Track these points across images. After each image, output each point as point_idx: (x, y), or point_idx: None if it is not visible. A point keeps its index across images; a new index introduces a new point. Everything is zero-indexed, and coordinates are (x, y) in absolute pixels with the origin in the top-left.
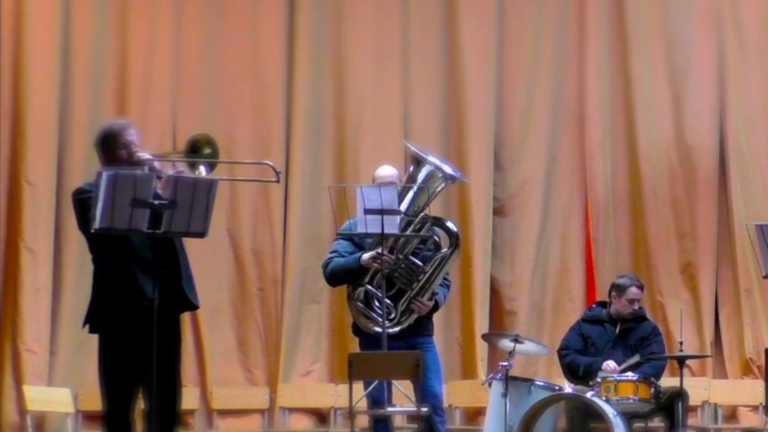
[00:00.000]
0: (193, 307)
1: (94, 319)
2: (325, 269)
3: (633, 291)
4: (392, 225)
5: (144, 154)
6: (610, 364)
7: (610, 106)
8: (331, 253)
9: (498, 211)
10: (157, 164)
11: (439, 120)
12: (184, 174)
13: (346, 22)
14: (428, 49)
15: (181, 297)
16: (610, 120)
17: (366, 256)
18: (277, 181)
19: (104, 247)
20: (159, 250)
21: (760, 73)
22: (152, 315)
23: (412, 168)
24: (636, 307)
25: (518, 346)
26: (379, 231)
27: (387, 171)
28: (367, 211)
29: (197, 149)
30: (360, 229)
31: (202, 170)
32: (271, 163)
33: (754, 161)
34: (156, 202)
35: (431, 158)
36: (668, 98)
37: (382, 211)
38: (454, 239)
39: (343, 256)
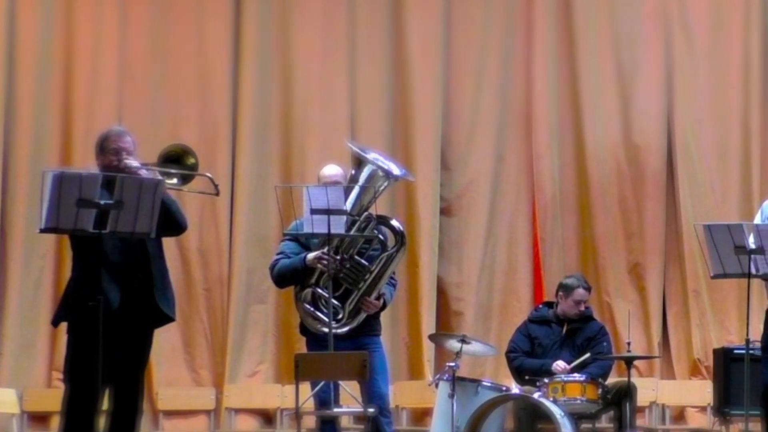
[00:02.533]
0: (167, 319)
1: (58, 316)
2: (271, 271)
3: (580, 292)
4: (339, 225)
5: (132, 162)
6: (560, 363)
7: (557, 106)
8: (278, 254)
9: (445, 211)
10: (144, 172)
11: (386, 120)
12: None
13: (293, 21)
14: (375, 48)
15: (152, 306)
16: (558, 120)
17: (311, 256)
18: (217, 194)
19: (77, 247)
20: (130, 254)
21: (707, 73)
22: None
23: (354, 169)
24: (582, 308)
25: (465, 347)
26: (326, 231)
27: (332, 170)
28: (313, 211)
29: (178, 160)
30: (307, 229)
31: (175, 181)
32: (209, 175)
33: (701, 161)
34: (102, 201)
35: (372, 157)
36: (616, 98)
37: (328, 211)
38: (400, 238)
39: (289, 257)
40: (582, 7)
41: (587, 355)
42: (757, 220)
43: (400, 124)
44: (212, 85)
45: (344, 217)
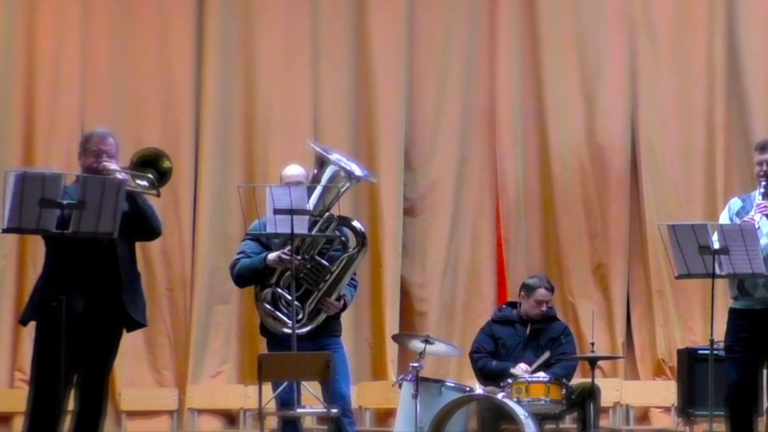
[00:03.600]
0: (136, 324)
1: (26, 315)
2: (232, 270)
3: (541, 292)
4: (302, 225)
5: (111, 165)
6: (521, 366)
7: (521, 106)
8: (239, 254)
9: (408, 212)
10: (121, 175)
11: (350, 120)
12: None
13: (256, 21)
14: (338, 48)
15: (120, 309)
16: (522, 120)
17: (271, 256)
18: (157, 195)
19: (48, 246)
20: (99, 255)
21: (671, 73)
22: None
23: (316, 169)
24: (544, 308)
25: (429, 347)
26: (288, 231)
27: (294, 170)
28: (276, 211)
29: (153, 163)
30: (270, 229)
31: (146, 184)
32: (152, 175)
33: (665, 161)
34: (64, 201)
35: (334, 158)
36: (580, 98)
37: (291, 211)
38: (361, 238)
39: (250, 257)
40: (545, 7)
41: (547, 354)
42: (723, 217)
43: (364, 125)
44: (175, 85)
45: (307, 217)
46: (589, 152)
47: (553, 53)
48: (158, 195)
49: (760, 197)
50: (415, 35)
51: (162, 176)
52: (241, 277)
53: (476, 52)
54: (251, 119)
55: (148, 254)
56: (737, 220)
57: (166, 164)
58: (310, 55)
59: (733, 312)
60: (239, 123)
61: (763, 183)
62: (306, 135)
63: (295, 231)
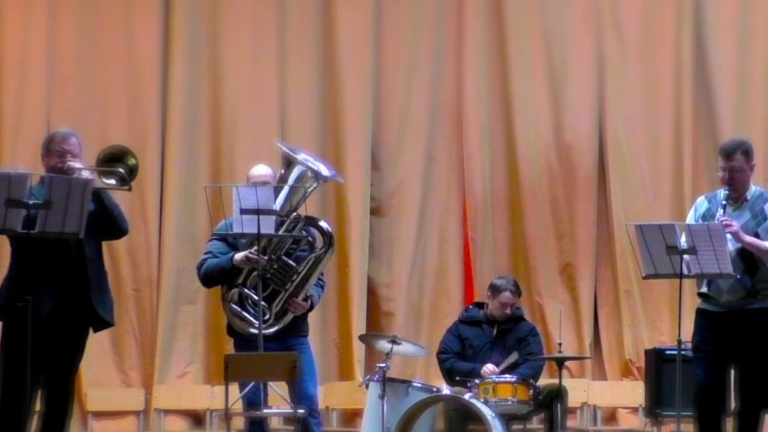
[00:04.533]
0: (106, 324)
1: None
2: (198, 270)
3: (506, 295)
4: (268, 225)
5: (75, 164)
6: (489, 367)
7: (488, 106)
8: (206, 254)
9: (375, 211)
10: (85, 174)
11: (316, 120)
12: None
13: (222, 21)
14: (305, 48)
15: (88, 310)
16: (489, 120)
17: (238, 256)
18: (129, 190)
19: (14, 246)
20: (66, 255)
21: (639, 72)
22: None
23: (283, 169)
24: (508, 311)
25: (396, 347)
26: (255, 231)
27: (261, 170)
28: (243, 211)
29: (119, 159)
30: (236, 229)
31: (113, 182)
32: (122, 171)
33: (633, 161)
34: (30, 201)
35: (301, 158)
36: (547, 97)
37: (258, 211)
38: (328, 239)
39: (217, 257)
40: (513, 5)
41: (515, 356)
42: (690, 217)
43: (331, 124)
44: (141, 84)
45: (273, 217)
46: (556, 152)
47: (520, 52)
48: (129, 189)
49: (722, 210)
50: (382, 35)
51: (129, 173)
52: (208, 277)
53: (443, 52)
54: (218, 119)
55: (115, 254)
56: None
57: (132, 161)
58: (276, 54)
59: (699, 312)
60: (206, 123)
61: (725, 192)
62: (273, 135)
63: (262, 231)
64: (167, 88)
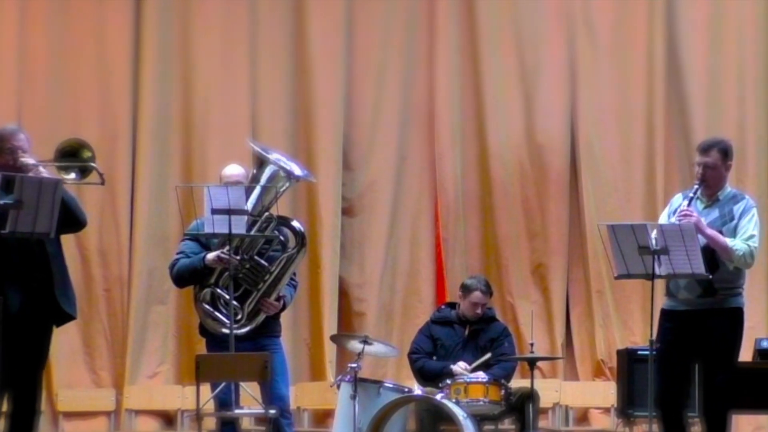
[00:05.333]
0: (68, 317)
1: None
2: (171, 270)
3: (477, 295)
4: (240, 225)
5: (28, 160)
6: (461, 364)
7: (460, 106)
8: (178, 254)
9: (347, 211)
10: (42, 168)
11: (288, 119)
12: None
13: (193, 20)
14: (276, 48)
15: (53, 306)
16: (460, 119)
17: (210, 256)
18: (102, 183)
19: None
20: (29, 254)
21: (611, 72)
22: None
23: (255, 169)
24: (479, 311)
25: (367, 348)
26: (226, 231)
27: (233, 170)
28: (214, 211)
29: (74, 154)
30: (208, 229)
31: (73, 176)
32: (95, 165)
33: (605, 161)
34: (1, 201)
35: (273, 157)
36: (519, 97)
37: (229, 211)
38: (300, 239)
39: (189, 257)
40: (485, 5)
41: (488, 355)
42: (664, 215)
43: (302, 124)
44: (112, 84)
45: (245, 217)
46: (528, 152)
47: (492, 52)
48: (103, 183)
49: (686, 202)
50: (354, 35)
51: (84, 168)
52: (180, 277)
53: (415, 52)
54: (189, 119)
55: (85, 254)
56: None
57: (87, 154)
58: (247, 54)
59: (661, 312)
60: (177, 123)
61: (695, 187)
62: (244, 135)
63: (233, 231)
64: (138, 87)
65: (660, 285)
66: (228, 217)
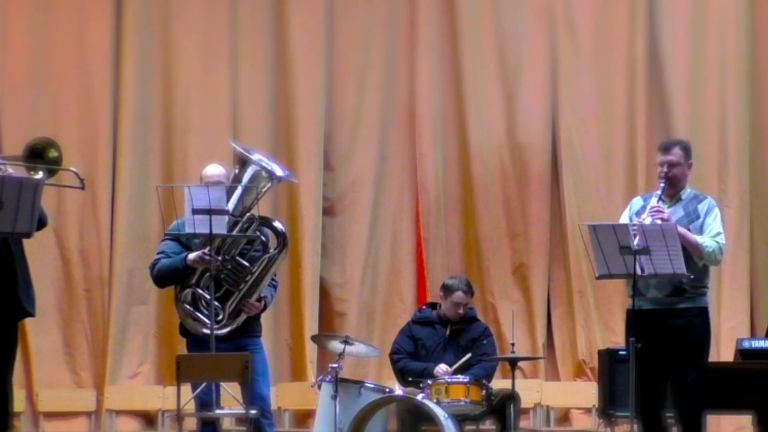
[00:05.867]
0: (26, 314)
1: None
2: (152, 270)
3: (458, 295)
4: (221, 225)
5: None
6: (441, 367)
7: (441, 105)
8: (158, 254)
9: (328, 211)
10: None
11: (269, 119)
12: (12, 174)
13: (174, 20)
14: (257, 47)
15: (16, 305)
16: (442, 119)
17: (192, 256)
18: (82, 188)
19: None
20: None
21: (592, 73)
22: None
23: (237, 169)
24: (461, 311)
25: (348, 348)
26: (207, 231)
27: (214, 170)
28: (195, 211)
29: (41, 153)
30: (188, 230)
31: (42, 175)
32: (75, 170)
33: (586, 161)
34: None
35: (256, 158)
36: (500, 97)
37: (210, 211)
38: (282, 239)
39: (170, 257)
40: (466, 4)
41: (468, 355)
42: (624, 216)
43: (283, 124)
44: (93, 84)
45: (226, 218)
46: (509, 152)
47: (473, 52)
48: (83, 188)
49: (656, 199)
50: (335, 35)
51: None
52: (161, 278)
53: (396, 51)
54: (170, 118)
55: (66, 254)
56: (636, 220)
57: (53, 153)
58: (228, 54)
59: (628, 313)
60: (158, 122)
61: (662, 185)
62: (225, 135)
63: (214, 231)
64: (119, 87)
65: (622, 285)
66: (209, 217)
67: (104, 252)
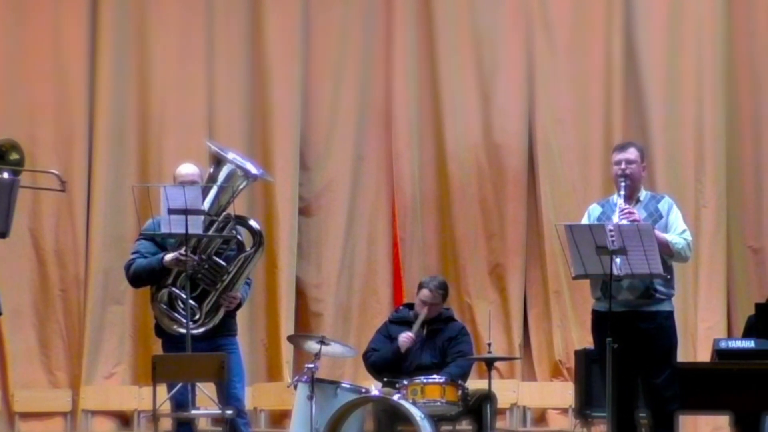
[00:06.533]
0: None
1: None
2: (127, 271)
3: (424, 292)
4: (196, 225)
5: None
6: (402, 336)
7: (417, 105)
8: (134, 253)
9: (304, 211)
10: None
11: (245, 119)
12: None
13: (150, 19)
14: (233, 47)
15: None
16: (418, 119)
17: (168, 256)
18: (63, 191)
19: None
20: None
21: (568, 72)
22: None
23: (212, 168)
24: (426, 309)
25: (324, 348)
26: (183, 231)
27: (188, 169)
28: (171, 211)
29: (3, 154)
30: (164, 230)
31: (5, 176)
32: (56, 172)
33: (563, 161)
34: None
35: (231, 156)
36: (476, 97)
37: (186, 211)
38: (258, 238)
39: (145, 257)
40: (442, 4)
41: (421, 318)
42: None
43: (259, 124)
44: (69, 84)
45: (201, 217)
46: (486, 152)
47: (449, 52)
48: (63, 190)
49: (622, 200)
50: (311, 34)
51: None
52: (137, 278)
53: (372, 51)
54: (146, 118)
55: (42, 255)
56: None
57: (14, 156)
58: (204, 54)
59: (593, 314)
60: (133, 122)
61: (622, 183)
62: (201, 134)
63: (190, 231)
64: (94, 87)
65: (585, 286)
66: (185, 217)
67: (80, 252)
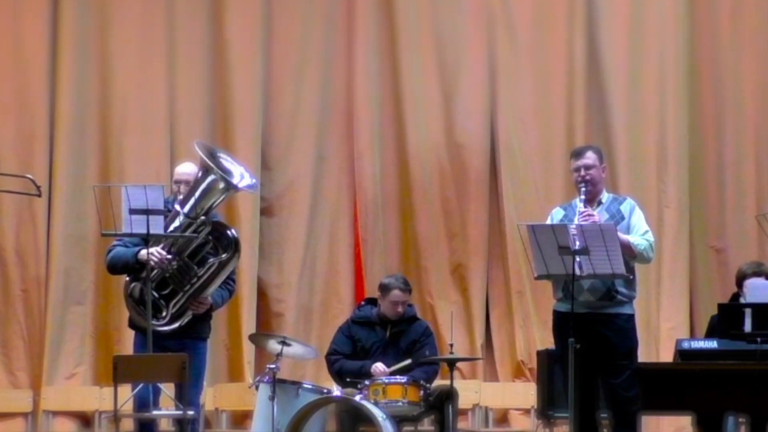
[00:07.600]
0: None
1: None
2: (106, 256)
3: (395, 293)
4: (158, 225)
5: None
6: (378, 366)
7: (379, 105)
8: (117, 241)
9: (265, 212)
10: None
11: (206, 118)
12: None
13: (111, 19)
14: (194, 46)
15: None
16: (379, 119)
17: (143, 252)
18: (39, 195)
19: None
20: None
21: (531, 72)
22: None
23: (201, 173)
24: (400, 309)
25: (286, 349)
26: (144, 231)
27: (186, 168)
28: (132, 211)
29: None
30: (126, 229)
31: None
32: (31, 177)
33: (525, 161)
34: None
35: (219, 161)
36: (438, 97)
37: (147, 211)
38: (234, 245)
39: (127, 246)
40: (403, 5)
41: (408, 361)
42: None
43: (220, 124)
44: (29, 82)
45: (162, 217)
46: (447, 152)
47: (411, 51)
48: (39, 195)
49: (582, 204)
50: (272, 34)
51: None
52: (112, 266)
53: (333, 50)
54: (106, 118)
55: (2, 254)
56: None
57: None
58: (165, 53)
59: (555, 314)
60: (94, 122)
61: (583, 189)
62: (162, 134)
63: (151, 231)
64: (55, 86)
65: (547, 286)
66: (146, 216)
67: (41, 252)
